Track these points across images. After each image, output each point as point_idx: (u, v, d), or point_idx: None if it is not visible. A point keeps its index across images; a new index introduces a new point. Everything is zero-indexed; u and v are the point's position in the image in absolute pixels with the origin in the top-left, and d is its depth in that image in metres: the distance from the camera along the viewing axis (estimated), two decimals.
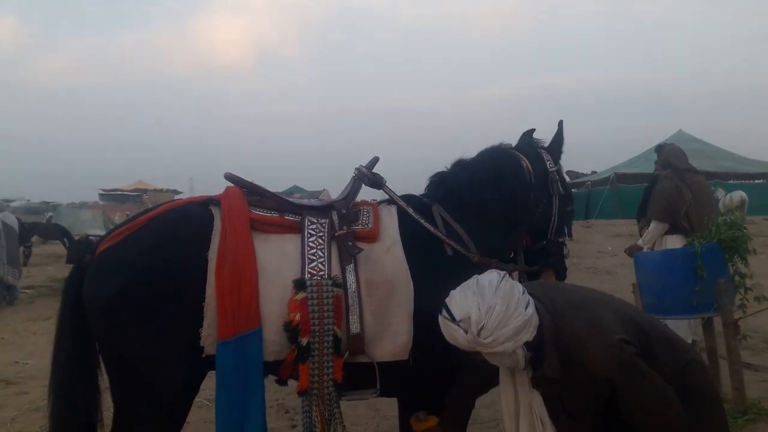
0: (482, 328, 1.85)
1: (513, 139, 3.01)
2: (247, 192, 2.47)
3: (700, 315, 4.24)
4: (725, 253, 4.15)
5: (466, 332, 1.88)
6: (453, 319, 1.92)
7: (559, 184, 2.89)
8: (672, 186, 5.44)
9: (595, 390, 1.97)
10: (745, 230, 4.26)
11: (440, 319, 1.98)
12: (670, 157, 5.73)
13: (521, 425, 2.12)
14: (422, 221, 2.56)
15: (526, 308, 1.91)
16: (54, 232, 17.12)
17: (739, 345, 4.20)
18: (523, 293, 1.95)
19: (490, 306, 1.86)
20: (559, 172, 2.92)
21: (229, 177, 2.53)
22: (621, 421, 2.01)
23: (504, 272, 2.04)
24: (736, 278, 4.19)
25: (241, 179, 2.52)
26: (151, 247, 2.21)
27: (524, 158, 2.82)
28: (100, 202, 36.25)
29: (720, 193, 17.28)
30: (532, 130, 3.03)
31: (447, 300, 1.99)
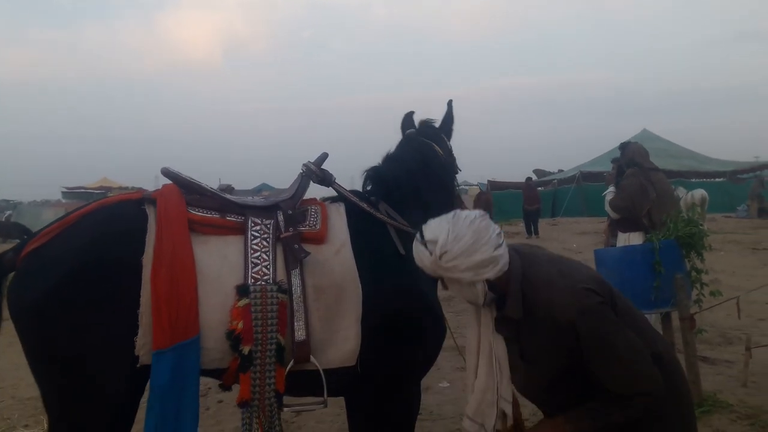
0: (445, 253, 1.92)
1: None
2: (186, 190, 2.33)
3: (658, 310, 4.32)
4: (682, 249, 4.25)
5: (431, 254, 1.94)
6: (422, 241, 1.98)
7: (455, 162, 3.01)
8: (637, 184, 5.55)
9: (557, 336, 1.95)
10: (701, 227, 4.37)
11: (414, 242, 2.04)
12: (636, 155, 5.84)
13: (480, 363, 2.18)
14: (382, 216, 2.53)
15: (496, 249, 1.96)
16: (14, 230, 16.70)
17: (695, 339, 4.30)
18: (499, 235, 2.00)
19: (459, 235, 1.93)
20: (451, 149, 3.02)
21: (166, 173, 2.37)
22: (588, 385, 1.98)
23: (485, 213, 2.07)
24: (693, 274, 4.30)
25: (180, 176, 2.36)
26: (81, 246, 2.07)
27: (433, 144, 2.89)
28: (63, 201, 35.42)
29: (681, 191, 17.62)
30: (412, 113, 3.09)
31: (424, 225, 2.04)
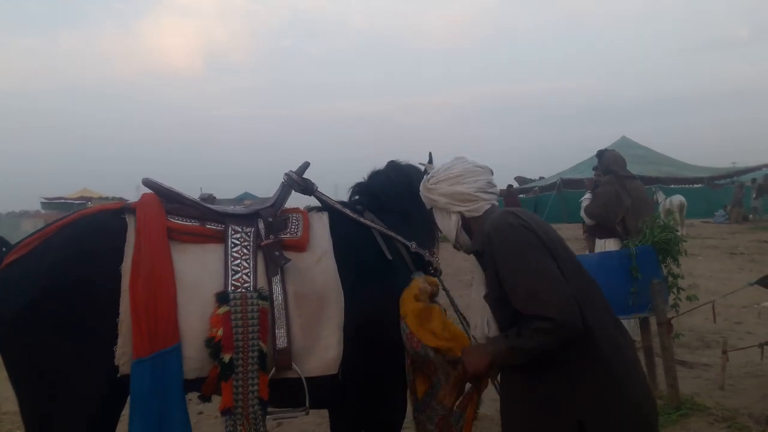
0: (432, 176, 2.25)
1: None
2: (166, 199, 2.33)
3: (635, 315, 4.38)
4: (659, 254, 4.31)
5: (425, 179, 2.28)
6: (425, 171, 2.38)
7: None
8: (612, 192, 5.63)
9: (488, 251, 2.02)
10: (677, 232, 4.44)
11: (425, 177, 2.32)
12: (611, 163, 5.91)
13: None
14: (370, 223, 2.54)
15: (478, 192, 2.16)
16: None
17: (673, 343, 4.36)
18: (491, 187, 2.21)
19: (451, 167, 2.22)
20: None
21: (147, 183, 2.37)
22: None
23: (488, 168, 2.25)
24: (669, 279, 4.36)
25: (159, 185, 2.36)
26: (59, 259, 2.06)
27: (421, 167, 2.89)
28: (43, 211, 34.85)
29: (660, 196, 17.91)
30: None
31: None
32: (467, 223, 2.21)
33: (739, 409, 4.15)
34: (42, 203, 37.36)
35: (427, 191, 2.26)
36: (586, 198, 6.10)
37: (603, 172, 5.93)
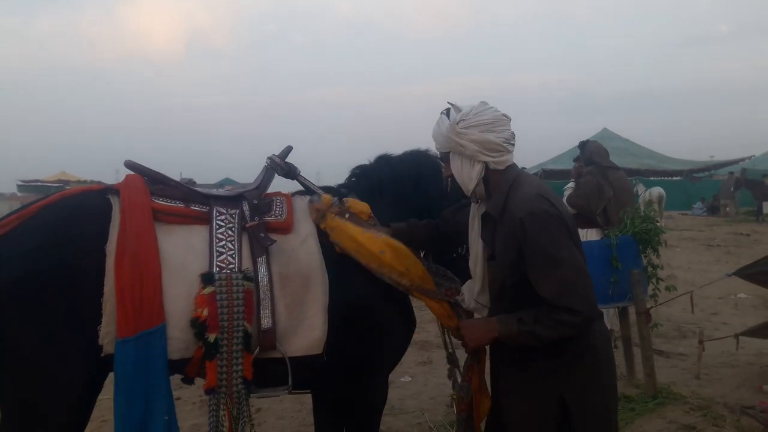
0: (463, 120, 2.09)
1: None
2: (150, 181, 2.32)
3: (615, 304, 4.42)
4: (639, 245, 4.34)
5: (450, 120, 2.11)
6: (447, 112, 2.15)
7: None
8: (594, 183, 5.64)
9: (512, 235, 2.00)
10: (657, 223, 4.47)
11: (439, 116, 2.19)
12: (594, 154, 5.92)
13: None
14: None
15: (506, 143, 2.10)
16: None
17: (651, 333, 4.41)
18: (513, 137, 2.13)
19: (482, 112, 2.10)
20: None
21: (130, 165, 2.35)
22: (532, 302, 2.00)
23: (509, 116, 2.16)
24: (649, 269, 4.39)
25: (143, 167, 2.35)
26: (42, 239, 2.02)
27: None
28: (19, 194, 34.30)
29: (640, 188, 18.08)
30: None
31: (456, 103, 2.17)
32: (487, 176, 2.12)
33: (714, 398, 4.22)
34: (18, 186, 36.79)
35: (456, 135, 2.09)
36: (570, 187, 6.11)
37: (585, 162, 5.95)
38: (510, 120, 2.14)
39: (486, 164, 2.10)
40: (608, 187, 5.62)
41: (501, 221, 2.06)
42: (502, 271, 2.07)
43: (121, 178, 2.36)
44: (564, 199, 5.96)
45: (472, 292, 2.29)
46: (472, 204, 2.26)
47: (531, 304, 1.99)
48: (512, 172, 2.12)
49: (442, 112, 2.17)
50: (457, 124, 2.08)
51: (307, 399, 4.40)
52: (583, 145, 6.15)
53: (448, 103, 2.13)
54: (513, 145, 2.13)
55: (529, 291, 1.98)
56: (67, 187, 2.50)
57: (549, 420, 2.03)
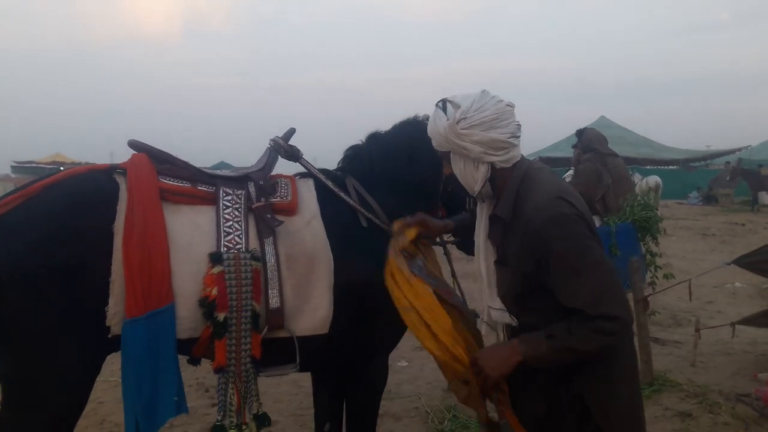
0: (464, 119, 1.86)
1: None
2: (156, 160, 2.29)
3: None
4: (638, 232, 4.34)
5: (448, 118, 1.89)
6: (443, 106, 1.93)
7: None
8: (592, 170, 5.62)
9: (528, 241, 1.83)
10: (656, 211, 4.47)
11: (434, 109, 1.99)
12: (592, 141, 5.90)
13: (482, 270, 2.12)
14: (340, 193, 2.51)
15: (512, 137, 1.90)
16: None
17: (648, 320, 4.43)
18: (519, 129, 1.93)
19: (483, 106, 1.87)
20: None
21: (134, 144, 2.33)
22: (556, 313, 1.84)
23: (512, 104, 1.97)
24: (648, 257, 4.40)
25: (149, 146, 2.33)
26: (46, 218, 1.98)
27: None
28: (12, 175, 34.12)
29: (636, 177, 18.09)
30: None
31: (449, 96, 1.96)
32: (493, 174, 1.94)
33: (709, 385, 4.25)
34: (12, 167, 36.63)
35: (457, 137, 1.88)
36: (569, 175, 6.08)
37: (584, 150, 5.91)
38: (514, 108, 1.94)
39: (493, 164, 1.92)
40: (607, 174, 5.61)
41: (512, 226, 1.91)
42: (517, 281, 1.92)
43: (116, 161, 2.33)
44: None
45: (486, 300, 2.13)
46: (478, 203, 2.11)
47: (553, 309, 1.82)
48: (521, 167, 1.94)
49: (437, 105, 1.98)
50: (457, 124, 1.87)
51: (305, 383, 4.43)
52: (580, 132, 6.12)
53: (437, 106, 1.97)
54: (519, 137, 1.93)
55: (550, 297, 1.83)
56: (62, 169, 2.46)
57: (568, 420, 1.90)
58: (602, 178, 5.58)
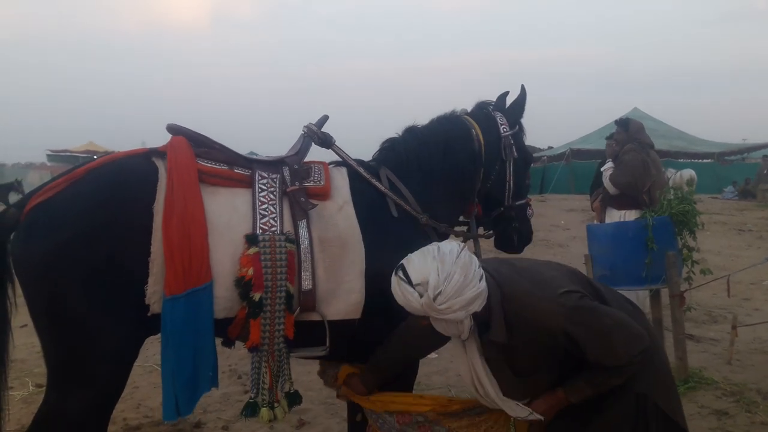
0: (439, 294, 1.88)
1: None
2: (194, 143, 2.34)
3: (648, 287, 4.35)
4: (675, 227, 4.25)
5: (421, 296, 1.89)
6: (409, 282, 1.93)
7: (514, 148, 2.84)
8: (640, 160, 5.51)
9: (551, 344, 2.02)
10: (694, 205, 4.37)
11: (395, 280, 1.98)
12: (639, 132, 5.80)
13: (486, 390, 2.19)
14: (372, 180, 2.54)
15: (480, 281, 1.96)
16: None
17: (683, 317, 4.34)
18: (478, 266, 1.99)
19: (450, 273, 1.89)
20: (515, 135, 2.87)
21: (173, 128, 2.37)
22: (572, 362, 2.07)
23: (463, 244, 2.07)
24: (684, 251, 4.31)
25: (187, 129, 2.38)
26: (90, 201, 2.05)
27: (475, 126, 2.79)
28: (48, 163, 34.89)
29: (670, 171, 17.73)
30: (505, 94, 2.98)
31: (404, 262, 1.99)
32: (475, 313, 1.99)
33: (746, 383, 4.17)
34: (48, 156, 37.42)
35: (438, 314, 1.91)
36: (609, 167, 5.87)
37: (628, 140, 5.76)
38: (465, 247, 2.02)
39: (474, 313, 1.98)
40: (653, 165, 5.51)
41: (512, 340, 2.03)
42: (551, 376, 2.11)
43: (148, 148, 2.37)
44: (606, 179, 5.73)
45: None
46: (458, 340, 2.15)
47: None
48: (492, 290, 2.02)
49: (396, 274, 1.97)
50: (435, 301, 1.88)
51: None
52: (625, 122, 5.98)
53: (399, 278, 1.96)
54: (482, 274, 1.99)
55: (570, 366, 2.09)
56: (96, 157, 2.54)
57: (631, 419, 2.08)
58: (649, 169, 5.48)
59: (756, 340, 5.19)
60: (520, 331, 2.02)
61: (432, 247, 2.00)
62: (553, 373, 2.12)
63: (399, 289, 1.96)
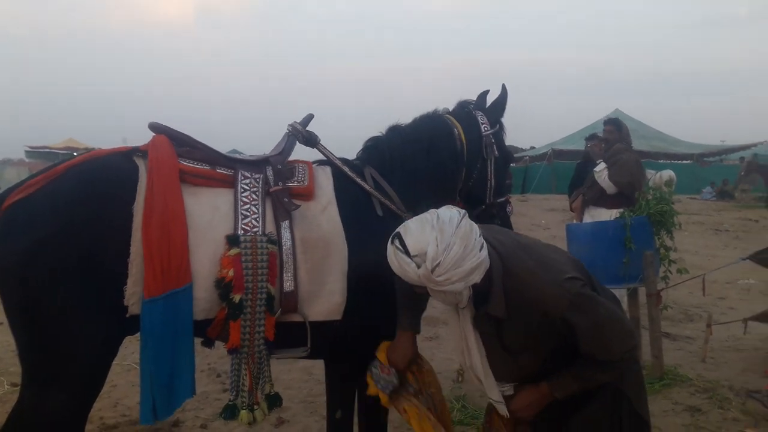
0: (437, 265, 1.82)
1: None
2: (176, 143, 2.31)
3: (626, 285, 4.41)
4: (653, 226, 4.31)
5: (419, 267, 1.85)
6: (406, 252, 1.87)
7: (495, 147, 2.86)
8: (635, 160, 5.63)
9: (547, 326, 2.00)
10: (672, 205, 4.44)
11: (391, 249, 1.93)
12: (627, 133, 5.91)
13: (473, 363, 2.20)
14: (357, 179, 2.53)
15: (480, 250, 1.90)
16: None
17: (660, 315, 4.41)
18: (479, 235, 1.94)
19: (449, 244, 1.83)
20: (496, 134, 2.88)
21: (155, 126, 2.34)
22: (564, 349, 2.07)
23: (463, 210, 1.99)
24: (661, 251, 4.37)
25: (170, 128, 2.35)
26: (69, 199, 2.01)
27: (457, 125, 2.80)
28: (27, 160, 34.33)
29: (650, 172, 17.93)
30: (485, 93, 3.00)
31: (401, 230, 1.93)
32: (476, 285, 1.96)
33: (720, 381, 4.24)
34: (26, 152, 36.86)
35: (437, 285, 1.86)
36: (603, 167, 5.75)
37: (619, 139, 5.83)
38: (466, 214, 1.96)
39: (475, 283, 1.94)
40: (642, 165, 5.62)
41: (509, 316, 2.02)
42: (542, 358, 2.11)
43: (129, 147, 2.34)
44: (605, 179, 5.69)
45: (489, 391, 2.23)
46: (454, 309, 2.16)
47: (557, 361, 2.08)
48: (494, 261, 1.99)
49: (392, 242, 1.93)
50: (433, 273, 1.83)
51: (315, 370, 4.47)
52: (619, 122, 6.08)
53: (396, 247, 1.91)
54: (483, 243, 1.94)
55: (563, 355, 2.08)
56: (75, 154, 2.50)
57: (608, 414, 2.12)
58: (643, 168, 5.58)
59: (730, 338, 5.29)
60: (517, 309, 2.01)
61: (431, 215, 1.93)
62: (541, 358, 2.10)
63: (395, 259, 1.91)
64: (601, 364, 2.02)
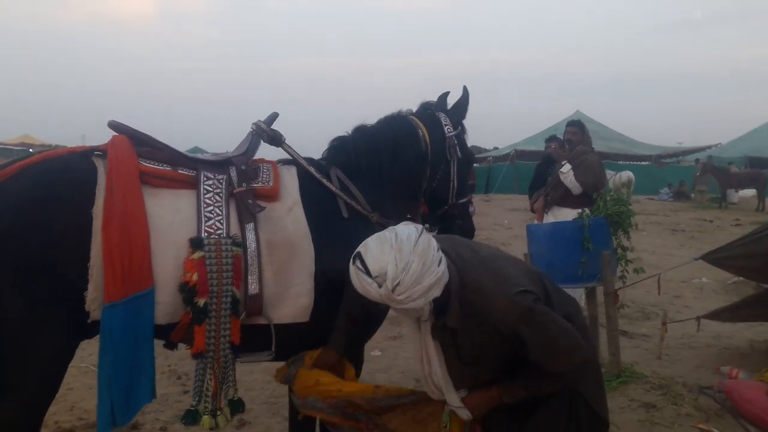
0: (398, 284, 1.84)
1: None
2: (136, 142, 2.24)
3: (584, 285, 4.49)
4: (610, 227, 4.40)
5: (380, 286, 1.86)
6: (367, 272, 1.89)
7: (458, 148, 2.88)
8: (599, 161, 5.75)
9: (499, 338, 2.06)
10: (629, 206, 4.54)
11: (353, 269, 1.94)
12: (589, 135, 6.04)
13: (433, 371, 2.22)
14: (322, 179, 2.52)
15: (439, 265, 1.93)
16: None
17: (617, 314, 4.50)
18: (437, 250, 1.96)
19: (408, 263, 1.85)
20: (459, 135, 2.91)
21: (115, 126, 2.28)
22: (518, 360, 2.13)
23: (420, 226, 2.03)
24: (619, 251, 4.46)
25: (129, 128, 2.28)
26: (23, 200, 1.94)
27: (421, 126, 2.82)
28: None
29: (609, 173, 18.33)
30: (445, 94, 3.02)
31: (361, 250, 1.95)
32: (436, 299, 1.98)
33: (674, 377, 4.34)
34: None
35: (398, 304, 1.89)
36: (569, 168, 5.79)
37: (582, 141, 5.94)
38: (424, 230, 1.98)
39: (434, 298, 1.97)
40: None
41: (463, 327, 2.08)
42: (494, 369, 2.19)
43: (88, 144, 2.29)
44: (571, 179, 5.71)
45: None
46: (413, 322, 2.21)
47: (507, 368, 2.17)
48: (452, 275, 2.02)
49: (353, 263, 1.93)
50: (393, 292, 1.84)
51: None
52: (581, 123, 6.20)
53: (357, 267, 1.91)
54: (441, 258, 1.96)
55: (514, 364, 2.16)
56: (31, 151, 2.40)
57: (564, 416, 2.17)
58: (603, 169, 5.69)
59: (684, 336, 5.43)
60: (471, 320, 2.05)
61: (389, 234, 1.95)
62: (496, 368, 2.17)
63: (357, 279, 1.93)
64: (548, 374, 2.08)
